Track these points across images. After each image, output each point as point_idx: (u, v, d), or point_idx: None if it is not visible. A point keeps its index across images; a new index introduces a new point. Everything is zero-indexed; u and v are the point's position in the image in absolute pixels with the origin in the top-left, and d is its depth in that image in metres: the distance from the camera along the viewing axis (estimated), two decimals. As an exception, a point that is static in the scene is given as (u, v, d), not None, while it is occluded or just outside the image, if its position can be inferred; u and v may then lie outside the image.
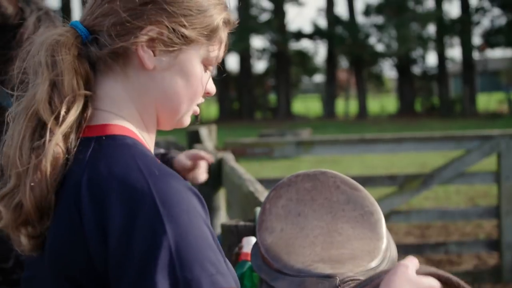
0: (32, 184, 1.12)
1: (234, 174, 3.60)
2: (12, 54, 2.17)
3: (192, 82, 1.27)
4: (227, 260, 1.16)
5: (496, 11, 35.20)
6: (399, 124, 28.35)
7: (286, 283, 1.57)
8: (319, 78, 42.64)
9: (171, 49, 1.23)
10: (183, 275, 1.03)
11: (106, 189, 1.09)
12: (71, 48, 1.20)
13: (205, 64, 1.30)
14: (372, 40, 35.93)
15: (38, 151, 1.14)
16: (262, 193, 2.70)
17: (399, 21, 32.97)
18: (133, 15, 1.21)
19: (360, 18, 38.86)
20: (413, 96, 37.06)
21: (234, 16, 1.34)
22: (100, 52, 1.21)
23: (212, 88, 1.34)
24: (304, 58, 39.53)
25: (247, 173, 3.47)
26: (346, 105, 39.67)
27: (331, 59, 36.75)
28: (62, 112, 1.15)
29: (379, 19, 35.32)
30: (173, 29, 1.23)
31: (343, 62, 39.81)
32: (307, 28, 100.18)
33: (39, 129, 1.16)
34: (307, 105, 41.30)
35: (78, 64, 1.20)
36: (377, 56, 36.77)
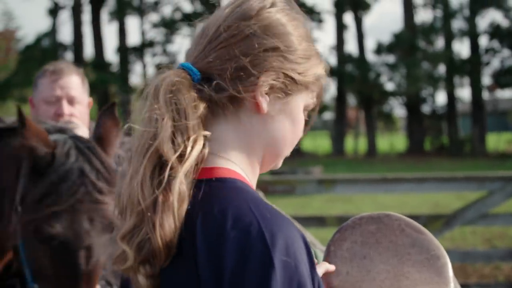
0: (161, 221, 1.13)
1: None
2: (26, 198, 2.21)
3: (297, 126, 1.32)
4: None
5: (506, 52, 35.33)
6: (408, 162, 28.25)
7: None
8: (328, 115, 42.65)
9: (281, 95, 1.27)
10: None
11: (220, 232, 1.12)
12: (190, 89, 1.23)
13: (305, 109, 1.34)
14: (383, 78, 36.06)
15: (163, 188, 1.15)
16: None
17: (410, 60, 33.10)
18: (254, 61, 1.24)
19: (371, 56, 39.08)
20: (423, 135, 36.99)
21: (324, 66, 1.38)
22: (217, 95, 1.24)
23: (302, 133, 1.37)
24: (313, 95, 39.43)
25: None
26: (355, 143, 39.64)
27: (340, 97, 36.85)
28: (187, 150, 1.17)
29: (390, 58, 35.50)
30: (290, 76, 1.27)
31: (352, 100, 39.89)
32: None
33: (159, 168, 1.17)
34: (315, 142, 41.26)
35: (200, 104, 1.23)
36: (387, 95, 36.82)
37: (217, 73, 1.25)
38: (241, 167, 1.28)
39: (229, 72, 1.24)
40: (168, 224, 1.13)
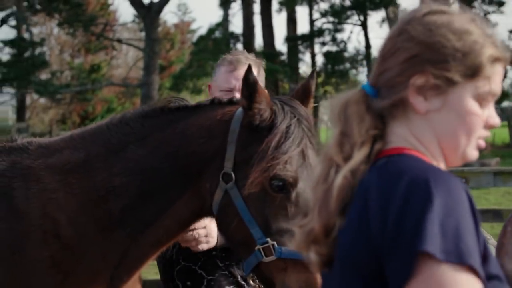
0: (320, 208, 1.42)
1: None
2: (248, 158, 2.44)
3: (465, 118, 1.39)
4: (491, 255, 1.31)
5: None
6: None
7: None
8: (506, 103, 40.32)
9: (439, 92, 1.40)
10: (445, 247, 1.19)
11: (391, 180, 1.30)
12: (359, 103, 1.47)
13: (479, 100, 1.40)
14: None
15: (328, 184, 1.42)
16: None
17: None
18: (402, 69, 1.43)
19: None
20: None
21: (506, 50, 1.44)
22: (382, 103, 1.45)
23: (494, 121, 1.43)
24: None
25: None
26: (537, 133, 37.04)
27: (521, 84, 34.57)
28: (352, 154, 1.41)
29: None
30: (437, 75, 1.39)
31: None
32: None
33: (333, 170, 1.43)
34: (492, 132, 39.31)
35: (366, 115, 1.44)
36: None
37: (380, 85, 1.47)
38: (422, 151, 1.41)
39: (385, 83, 1.46)
40: (326, 212, 1.41)
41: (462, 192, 1.27)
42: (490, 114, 1.43)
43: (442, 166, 1.43)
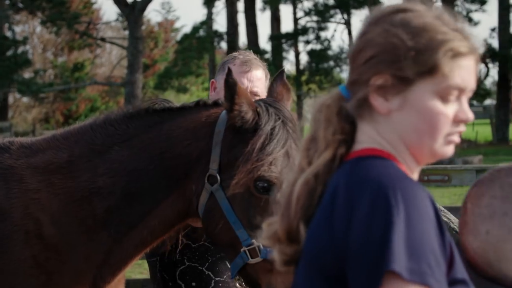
0: (283, 213, 1.45)
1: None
2: (233, 159, 2.44)
3: (426, 116, 1.38)
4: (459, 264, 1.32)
5: None
6: None
7: None
8: (489, 101, 40.63)
9: (398, 92, 1.40)
10: (407, 265, 1.22)
11: (357, 189, 1.31)
12: (331, 106, 1.48)
13: (442, 96, 1.39)
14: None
15: (291, 189, 1.46)
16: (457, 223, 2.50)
17: None
18: (362, 71, 1.44)
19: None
20: None
21: (469, 44, 1.40)
22: (349, 105, 1.46)
23: (465, 116, 1.40)
24: (473, 80, 37.75)
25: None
26: (519, 131, 37.34)
27: (503, 82, 34.81)
28: (314, 158, 1.44)
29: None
30: (393, 75, 1.40)
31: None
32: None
33: (300, 173, 1.46)
34: (475, 129, 39.48)
35: (334, 118, 1.46)
36: (555, 79, 34.31)
37: (347, 85, 1.49)
38: (389, 150, 1.41)
39: (349, 85, 1.48)
40: (287, 218, 1.44)
41: (426, 201, 1.28)
42: (460, 109, 1.41)
43: (412, 165, 1.43)
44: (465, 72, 1.40)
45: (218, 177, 2.45)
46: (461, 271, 1.32)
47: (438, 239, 1.26)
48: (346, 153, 1.44)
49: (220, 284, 2.86)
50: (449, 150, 1.42)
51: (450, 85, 1.38)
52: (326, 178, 1.42)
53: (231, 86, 2.44)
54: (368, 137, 1.44)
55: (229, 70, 2.47)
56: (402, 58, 1.39)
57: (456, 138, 1.41)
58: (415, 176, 1.45)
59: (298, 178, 1.45)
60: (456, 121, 1.40)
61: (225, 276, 2.86)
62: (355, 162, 1.40)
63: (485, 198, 1.57)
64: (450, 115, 1.39)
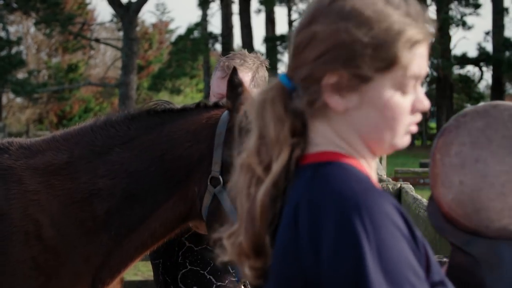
0: (246, 225, 1.33)
1: (418, 206, 3.29)
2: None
3: (386, 112, 1.30)
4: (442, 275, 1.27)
5: None
6: None
7: (485, 247, 1.39)
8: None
9: (354, 89, 1.30)
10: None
11: (321, 208, 1.22)
12: (275, 101, 1.35)
13: (400, 88, 1.31)
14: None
15: (251, 199, 1.34)
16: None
17: None
18: (314, 68, 1.31)
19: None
20: None
21: (423, 30, 1.32)
22: (300, 103, 1.33)
23: (422, 105, 1.34)
24: (467, 84, 37.93)
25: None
26: (512, 134, 37.40)
27: (497, 85, 34.92)
28: (272, 164, 1.32)
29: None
30: (349, 73, 1.29)
31: (511, 89, 37.69)
32: (472, 53, 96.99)
33: (254, 181, 1.34)
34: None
35: (285, 116, 1.33)
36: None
37: (296, 81, 1.34)
38: (346, 151, 1.33)
39: (300, 80, 1.34)
40: (253, 230, 1.33)
41: (393, 214, 1.20)
42: (417, 98, 1.33)
43: (369, 159, 1.36)
44: (421, 59, 1.32)
45: (221, 179, 2.43)
46: (438, 272, 1.28)
47: (413, 248, 1.20)
48: (301, 156, 1.33)
49: None
50: (406, 140, 1.35)
51: (409, 76, 1.30)
52: (284, 185, 1.31)
53: (235, 86, 2.42)
54: (323, 139, 1.34)
55: (234, 70, 2.44)
56: (358, 55, 1.28)
57: (413, 128, 1.35)
58: (372, 165, 1.38)
59: (252, 186, 1.34)
60: (414, 111, 1.33)
61: (226, 281, 2.84)
62: (314, 169, 1.29)
63: (453, 146, 1.48)
64: (409, 106, 1.32)
